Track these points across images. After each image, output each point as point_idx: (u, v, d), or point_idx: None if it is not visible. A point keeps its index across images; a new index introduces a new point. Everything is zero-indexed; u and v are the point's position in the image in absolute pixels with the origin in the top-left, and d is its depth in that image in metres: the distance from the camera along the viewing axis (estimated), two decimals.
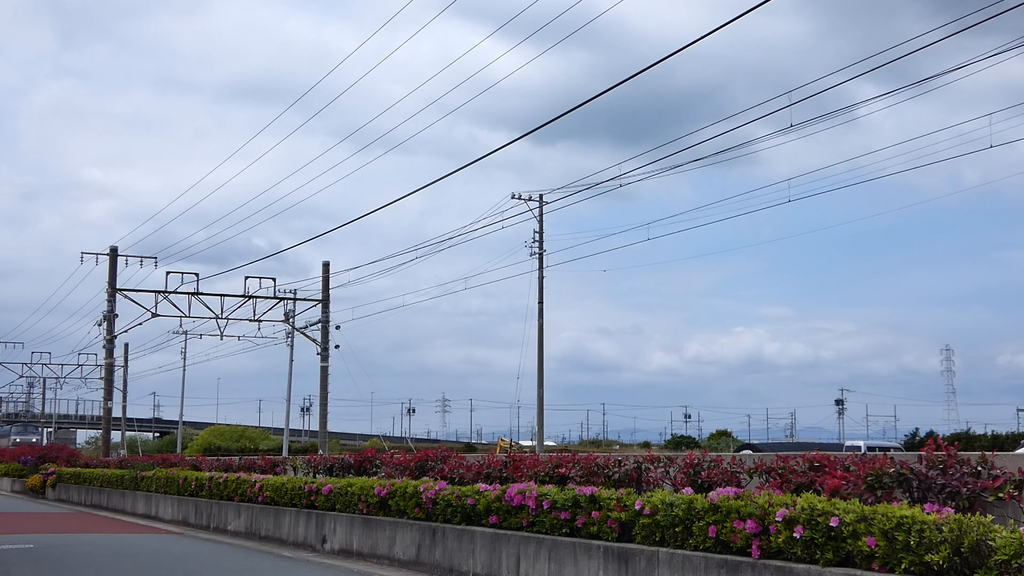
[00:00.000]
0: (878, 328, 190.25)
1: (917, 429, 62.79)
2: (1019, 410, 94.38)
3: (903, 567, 7.26)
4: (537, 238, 46.14)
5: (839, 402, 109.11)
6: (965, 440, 50.07)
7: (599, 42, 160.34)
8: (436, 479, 14.21)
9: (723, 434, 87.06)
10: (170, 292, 43.47)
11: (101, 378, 53.36)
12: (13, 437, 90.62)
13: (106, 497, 30.69)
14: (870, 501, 8.21)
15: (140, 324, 47.00)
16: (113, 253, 44.54)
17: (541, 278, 46.22)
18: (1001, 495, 7.89)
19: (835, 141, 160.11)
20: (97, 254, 44.97)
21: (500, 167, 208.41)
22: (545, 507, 11.09)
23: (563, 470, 12.23)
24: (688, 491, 9.67)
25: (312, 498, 16.96)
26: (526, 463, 13.16)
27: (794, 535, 8.04)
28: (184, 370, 75.54)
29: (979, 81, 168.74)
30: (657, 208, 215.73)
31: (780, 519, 8.20)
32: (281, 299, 45.93)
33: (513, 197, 44.97)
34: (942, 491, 8.15)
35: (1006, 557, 6.64)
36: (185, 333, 67.32)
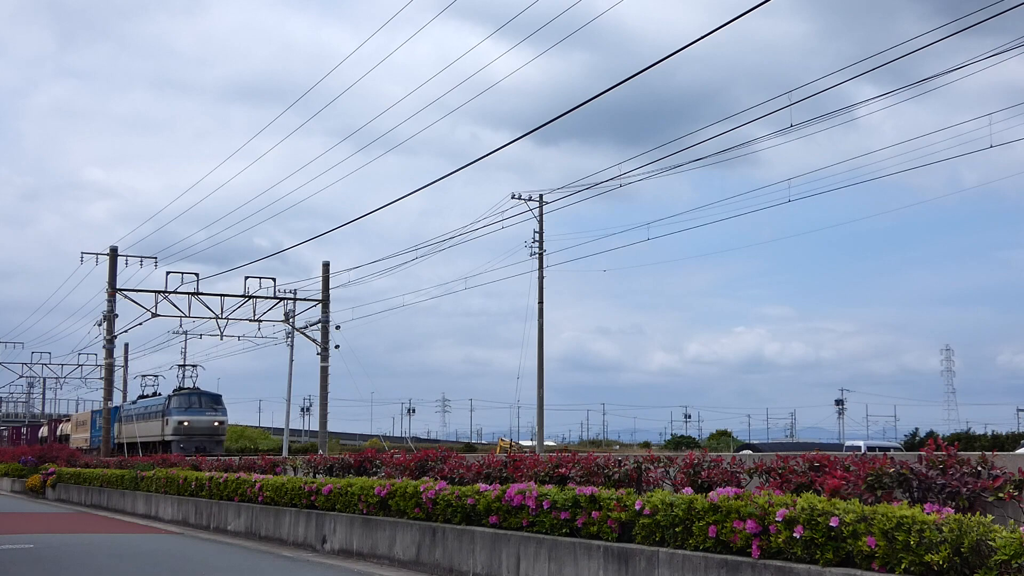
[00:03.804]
0: (878, 328, 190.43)
1: (917, 429, 62.81)
2: (1019, 410, 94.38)
3: (903, 567, 7.26)
4: (537, 238, 46.18)
5: (839, 402, 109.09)
6: (965, 440, 50.06)
7: (599, 44, 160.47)
8: (436, 479, 14.21)
9: (723, 434, 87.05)
10: (170, 292, 43.53)
11: (101, 378, 53.45)
12: (177, 419, 51.56)
13: (106, 497, 30.68)
14: (870, 501, 8.21)
15: (140, 324, 46.91)
16: (113, 253, 44.56)
17: (541, 278, 46.25)
18: (1001, 495, 7.89)
19: (835, 142, 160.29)
20: (97, 254, 45.05)
21: (501, 167, 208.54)
22: (545, 507, 11.09)
23: (563, 470, 12.23)
24: (688, 491, 9.67)
25: (312, 498, 16.96)
26: (526, 463, 13.16)
27: (794, 535, 8.04)
28: (184, 370, 75.45)
29: (978, 81, 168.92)
30: (657, 208, 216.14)
31: (780, 519, 8.20)
32: (281, 299, 46.03)
33: (513, 197, 45.03)
34: (942, 491, 8.15)
35: (1006, 557, 6.64)
36: (185, 333, 66.99)
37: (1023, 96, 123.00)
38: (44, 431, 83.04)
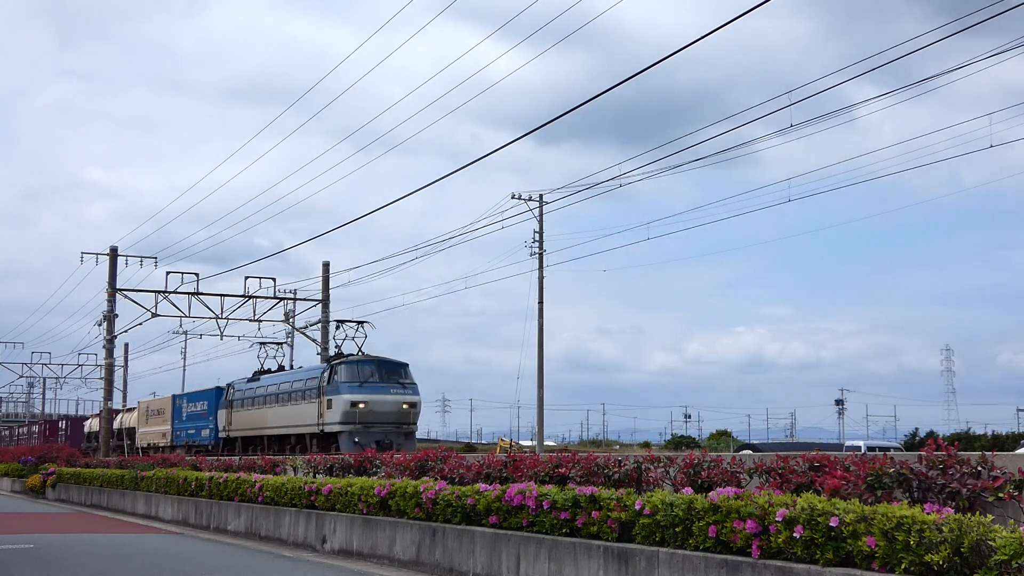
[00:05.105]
0: (878, 328, 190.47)
1: (917, 429, 62.91)
2: (1019, 410, 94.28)
3: (903, 567, 7.26)
4: (537, 238, 46.15)
5: (839, 402, 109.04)
6: (965, 440, 50.11)
7: (599, 44, 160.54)
8: (436, 479, 14.21)
9: (723, 434, 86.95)
10: (170, 292, 43.58)
11: (101, 378, 53.40)
12: (348, 399, 33.26)
13: (106, 497, 30.69)
14: (870, 501, 8.22)
15: (140, 324, 46.91)
16: (113, 253, 44.61)
17: (541, 278, 46.24)
18: (1001, 495, 7.89)
19: (834, 142, 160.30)
20: (97, 254, 45.12)
21: (501, 168, 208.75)
22: (545, 507, 11.09)
23: (563, 470, 12.23)
24: (688, 491, 9.67)
25: (312, 498, 16.96)
26: (526, 463, 13.16)
27: (794, 535, 8.04)
28: (184, 370, 75.56)
29: (978, 81, 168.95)
30: (657, 208, 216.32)
31: (780, 519, 8.20)
32: (281, 299, 46.05)
33: (513, 197, 45.01)
34: (942, 491, 8.15)
35: (1006, 557, 6.64)
36: (185, 333, 67.18)
37: (1023, 96, 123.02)
38: (92, 424, 66.17)
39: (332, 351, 37.99)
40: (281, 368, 42.14)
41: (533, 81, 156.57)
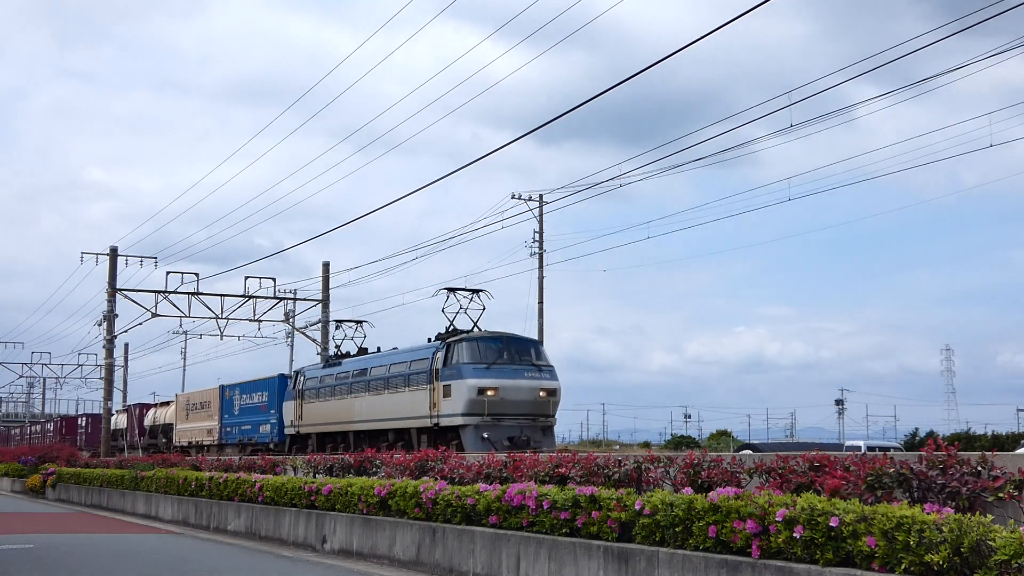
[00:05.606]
0: (878, 328, 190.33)
1: (917, 429, 62.81)
2: (1019, 410, 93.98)
3: (903, 567, 7.26)
4: (537, 238, 46.15)
5: (839, 402, 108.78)
6: (965, 440, 50.08)
7: (599, 44, 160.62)
8: (436, 479, 14.22)
9: (723, 434, 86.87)
10: (170, 292, 43.56)
11: (101, 378, 53.36)
12: (474, 384, 25.65)
13: (106, 497, 30.69)
14: (870, 501, 8.22)
15: (140, 324, 46.95)
16: (113, 253, 44.63)
17: (541, 278, 46.22)
18: (1001, 495, 7.89)
19: (834, 142, 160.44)
20: (97, 254, 45.12)
21: (502, 168, 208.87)
22: (545, 507, 11.09)
23: (563, 470, 12.23)
24: (688, 491, 9.67)
25: (312, 498, 16.96)
26: (526, 463, 13.16)
27: (794, 535, 8.04)
28: (184, 370, 75.50)
29: (978, 81, 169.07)
30: (657, 208, 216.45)
31: (780, 519, 8.20)
32: (281, 299, 46.01)
33: (513, 197, 45.00)
34: (942, 491, 8.15)
35: (1006, 557, 6.64)
36: (185, 333, 67.21)
37: (1023, 96, 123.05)
38: (119, 421, 57.92)
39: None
40: (363, 351, 34.20)
41: (533, 81, 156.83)
